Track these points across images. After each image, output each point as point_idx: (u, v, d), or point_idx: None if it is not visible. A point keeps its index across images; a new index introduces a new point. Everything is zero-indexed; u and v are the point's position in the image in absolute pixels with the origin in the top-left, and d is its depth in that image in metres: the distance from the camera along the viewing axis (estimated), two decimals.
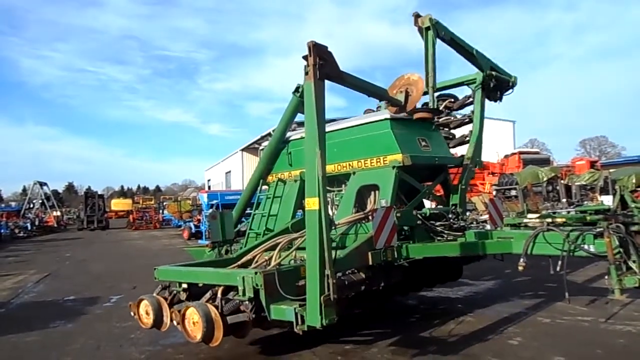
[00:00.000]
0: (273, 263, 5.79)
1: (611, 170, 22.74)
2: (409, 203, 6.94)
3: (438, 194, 8.25)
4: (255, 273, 4.80)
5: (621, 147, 66.40)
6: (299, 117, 8.22)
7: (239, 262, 6.35)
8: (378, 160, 6.83)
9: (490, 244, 6.18)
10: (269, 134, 38.23)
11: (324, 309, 4.23)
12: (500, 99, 8.29)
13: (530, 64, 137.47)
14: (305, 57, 4.40)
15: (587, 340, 5.70)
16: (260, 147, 45.01)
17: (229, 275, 5.26)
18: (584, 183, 20.27)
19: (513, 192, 20.41)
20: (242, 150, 46.90)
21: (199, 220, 24.39)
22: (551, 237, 5.74)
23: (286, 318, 4.62)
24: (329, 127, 7.62)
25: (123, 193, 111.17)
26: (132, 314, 6.38)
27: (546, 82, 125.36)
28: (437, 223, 6.80)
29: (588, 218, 9.18)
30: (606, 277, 5.05)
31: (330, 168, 7.38)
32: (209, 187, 63.99)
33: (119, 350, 6.20)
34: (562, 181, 19.91)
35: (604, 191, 20.24)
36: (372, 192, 7.03)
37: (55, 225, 43.26)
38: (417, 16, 6.69)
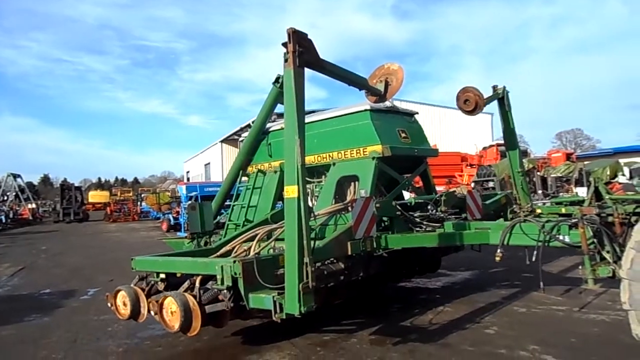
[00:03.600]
0: (252, 253, 5.79)
1: (586, 163, 23.22)
2: (388, 194, 6.97)
3: (417, 186, 8.32)
4: (234, 262, 4.78)
5: (596, 139, 67.79)
6: (279, 109, 8.19)
7: (218, 253, 6.31)
8: (358, 151, 6.84)
9: (468, 235, 6.26)
10: (249, 125, 37.94)
11: (302, 296, 4.24)
12: None
13: (510, 57, 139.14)
14: (285, 44, 4.37)
15: (562, 329, 5.81)
16: (240, 139, 44.51)
17: (207, 264, 5.23)
18: (560, 175, 20.66)
19: (491, 184, 20.68)
20: (222, 141, 46.51)
21: (177, 213, 24.16)
22: (527, 228, 5.83)
23: (265, 306, 4.62)
24: (309, 118, 7.60)
25: (100, 185, 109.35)
26: (109, 305, 6.32)
27: (524, 75, 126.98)
28: (416, 214, 6.86)
29: (563, 209, 9.35)
30: (580, 267, 5.15)
31: (310, 159, 7.38)
32: (188, 179, 63.39)
33: (97, 344, 6.13)
34: (538, 173, 20.23)
35: (579, 183, 20.66)
36: (352, 183, 7.05)
37: (31, 218, 42.41)
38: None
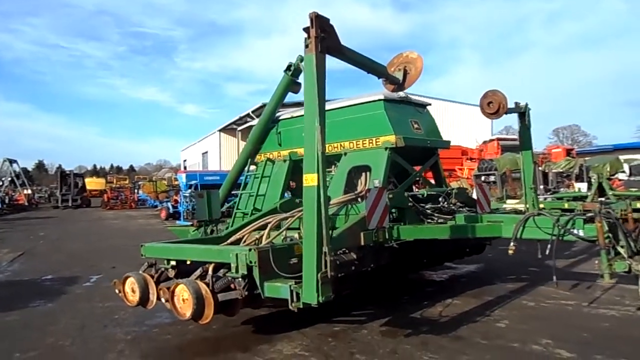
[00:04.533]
0: (264, 242, 5.73)
1: (586, 159, 23.26)
2: (400, 185, 6.92)
3: (427, 178, 8.27)
4: (249, 250, 4.72)
5: (592, 136, 68.09)
6: (290, 97, 8.11)
7: (228, 241, 6.26)
8: (370, 141, 6.77)
9: (481, 228, 6.23)
10: (248, 115, 37.88)
11: (320, 286, 4.20)
12: None
13: (509, 51, 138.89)
14: (306, 29, 4.28)
15: (572, 324, 5.78)
16: (239, 128, 44.24)
17: (221, 252, 5.17)
18: (561, 170, 20.66)
19: (492, 178, 20.65)
20: (220, 130, 46.33)
21: (176, 201, 24.06)
22: (541, 222, 5.81)
23: (280, 295, 4.58)
24: None
25: (96, 172, 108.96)
26: (116, 291, 6.28)
27: (523, 69, 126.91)
28: (428, 206, 6.81)
29: (566, 205, 9.33)
30: (596, 261, 5.11)
31: None
32: (185, 168, 63.20)
33: (104, 331, 6.06)
34: (539, 168, 20.21)
35: (579, 178, 20.69)
36: (363, 174, 6.98)
37: (27, 203, 42.26)
38: None
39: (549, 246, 5.64)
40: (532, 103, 7.41)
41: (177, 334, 5.86)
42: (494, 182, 20.15)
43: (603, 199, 13.99)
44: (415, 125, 7.08)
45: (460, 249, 8.19)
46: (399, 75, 5.70)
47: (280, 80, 7.78)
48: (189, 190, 20.94)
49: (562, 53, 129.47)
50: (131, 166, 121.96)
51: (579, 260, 9.64)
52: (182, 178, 21.31)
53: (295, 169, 7.79)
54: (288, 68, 7.63)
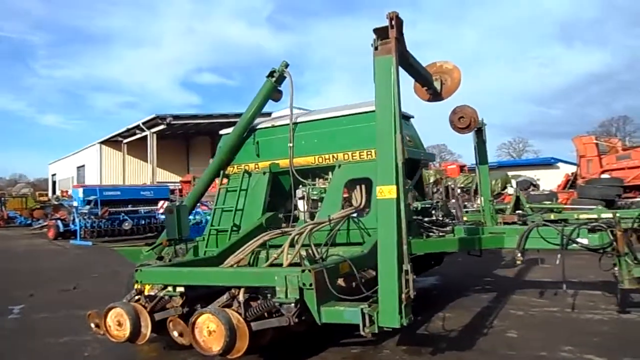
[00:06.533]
0: (285, 262, 5.22)
1: (473, 175, 25.22)
2: None
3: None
4: (302, 271, 4.23)
5: (458, 154, 73.96)
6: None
7: (231, 261, 5.61)
8: (369, 152, 6.55)
9: (485, 239, 6.30)
10: (138, 127, 35.62)
11: (404, 307, 3.87)
12: None
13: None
14: (379, 30, 3.99)
15: (576, 329, 5.99)
16: (125, 141, 41.49)
17: (260, 275, 4.60)
18: (461, 185, 22.14)
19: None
20: (101, 143, 43.08)
21: (65, 218, 21.61)
22: (545, 232, 6.02)
23: (344, 320, 4.15)
24: (306, 117, 7.19)
25: None
26: (92, 325, 5.39)
27: None
28: (425, 219, 6.76)
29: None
30: (616, 268, 5.39)
31: (309, 160, 6.99)
32: (54, 183, 57.88)
33: None
34: (448, 184, 21.48)
35: (476, 193, 22.36)
36: (358, 186, 6.72)
37: None
38: None
39: (558, 255, 5.85)
40: None
41: None
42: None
43: (520, 211, 15.15)
44: (407, 138, 7.01)
45: (428, 261, 8.26)
46: (437, 85, 5.60)
47: (262, 86, 7.28)
48: (87, 207, 19.02)
49: None
50: None
51: (522, 270, 10.20)
52: (78, 193, 19.20)
53: (276, 181, 7.33)
54: (271, 74, 7.17)
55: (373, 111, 6.51)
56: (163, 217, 19.10)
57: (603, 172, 19.65)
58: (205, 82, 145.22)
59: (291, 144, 7.00)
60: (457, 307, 7.28)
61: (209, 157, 41.21)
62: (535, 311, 6.94)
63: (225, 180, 7.57)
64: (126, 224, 19.65)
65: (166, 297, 5.17)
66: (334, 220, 6.08)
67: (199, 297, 5.16)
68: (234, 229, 6.97)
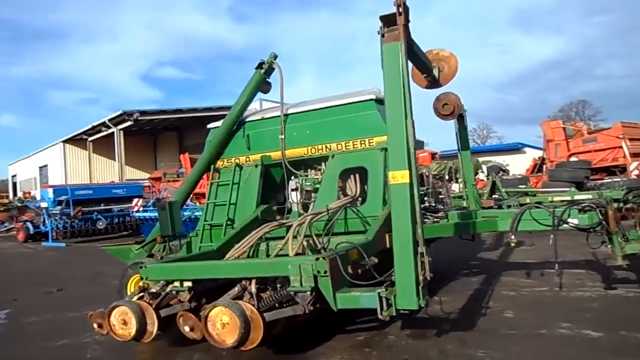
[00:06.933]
0: (291, 252, 5.23)
1: (454, 161, 25.60)
2: None
3: None
4: (317, 259, 4.25)
5: (425, 142, 75.07)
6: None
7: (235, 254, 5.59)
8: (363, 142, 6.60)
9: (479, 223, 6.44)
10: (104, 124, 34.69)
11: (421, 289, 3.95)
12: None
13: (340, 66, 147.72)
14: (385, 18, 4.02)
15: (568, 307, 6.20)
16: (90, 139, 40.41)
17: (272, 265, 4.60)
18: (435, 173, 22.43)
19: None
20: (64, 142, 41.80)
21: (34, 219, 20.93)
22: (537, 214, 6.19)
23: (360, 305, 4.21)
24: (298, 109, 7.18)
25: None
26: (94, 326, 5.30)
27: (353, 83, 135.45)
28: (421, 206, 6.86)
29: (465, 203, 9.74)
30: (608, 246, 5.61)
31: (302, 151, 7.00)
32: (15, 184, 55.96)
33: None
34: (419, 171, 21.75)
35: (450, 180, 22.73)
36: (353, 175, 6.76)
37: None
38: None
39: (551, 236, 6.03)
40: None
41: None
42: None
43: (496, 195, 15.49)
44: None
45: None
46: (435, 73, 5.66)
47: (251, 78, 7.22)
48: (58, 207, 18.51)
49: None
50: None
51: (504, 252, 10.48)
52: (49, 193, 18.63)
53: (267, 173, 7.31)
54: (259, 66, 7.12)
55: (366, 100, 6.63)
56: (137, 215, 18.83)
57: (571, 155, 20.26)
58: (167, 76, 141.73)
59: (282, 136, 6.99)
60: (450, 291, 7.42)
61: (177, 152, 40.58)
62: (527, 291, 7.15)
63: (215, 175, 7.49)
64: (100, 224, 19.21)
65: (173, 293, 5.12)
66: (332, 210, 6.11)
67: (204, 292, 5.14)
68: (229, 223, 6.93)
